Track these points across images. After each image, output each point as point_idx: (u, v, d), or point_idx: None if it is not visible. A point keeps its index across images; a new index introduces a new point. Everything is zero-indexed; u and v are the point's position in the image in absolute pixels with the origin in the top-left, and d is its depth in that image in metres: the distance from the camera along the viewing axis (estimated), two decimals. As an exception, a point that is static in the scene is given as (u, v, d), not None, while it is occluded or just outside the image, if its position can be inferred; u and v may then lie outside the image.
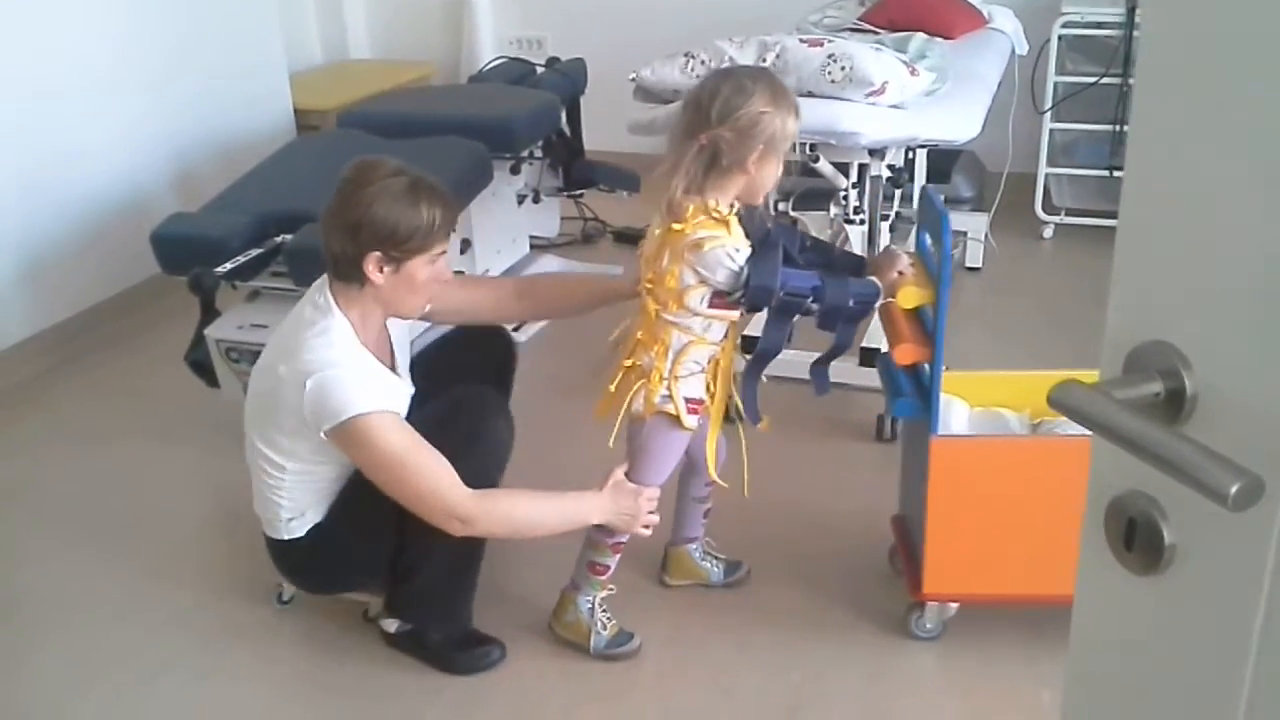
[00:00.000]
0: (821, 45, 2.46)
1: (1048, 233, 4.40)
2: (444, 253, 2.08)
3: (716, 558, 2.48)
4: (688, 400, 2.11)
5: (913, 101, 2.57)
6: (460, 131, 3.33)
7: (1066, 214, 4.39)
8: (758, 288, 1.97)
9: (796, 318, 2.07)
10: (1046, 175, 4.37)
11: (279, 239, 2.89)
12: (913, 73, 2.51)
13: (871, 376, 2.93)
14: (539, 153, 3.78)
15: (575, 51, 4.50)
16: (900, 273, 2.07)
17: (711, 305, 2.04)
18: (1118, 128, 4.16)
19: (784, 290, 1.98)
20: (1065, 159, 4.39)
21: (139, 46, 3.87)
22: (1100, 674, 0.87)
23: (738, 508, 2.46)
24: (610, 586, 2.29)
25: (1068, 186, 4.45)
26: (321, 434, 2.01)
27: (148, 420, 3.27)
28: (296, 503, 2.16)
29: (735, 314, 2.08)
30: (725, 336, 2.12)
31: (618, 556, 2.26)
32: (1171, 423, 0.74)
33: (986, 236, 4.02)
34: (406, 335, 2.31)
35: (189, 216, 3.01)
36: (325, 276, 2.10)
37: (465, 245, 3.47)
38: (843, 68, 2.41)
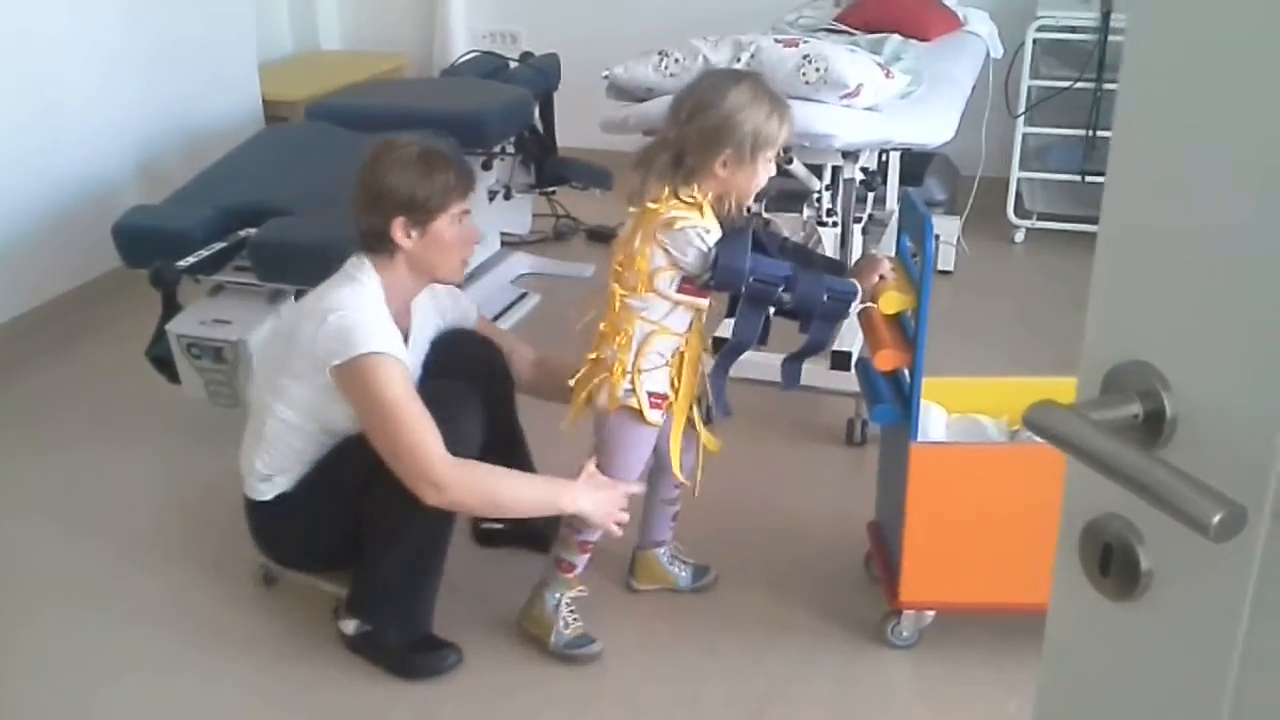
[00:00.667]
0: (797, 46, 2.43)
1: (1019, 236, 4.40)
2: (468, 212, 2.15)
3: (684, 562, 2.46)
4: (651, 395, 2.08)
5: (887, 104, 2.55)
6: (431, 126, 3.25)
7: (1038, 218, 4.40)
8: (725, 268, 1.94)
9: (770, 312, 2.05)
10: (1019, 179, 4.37)
11: (243, 233, 2.83)
12: (888, 75, 2.49)
13: (842, 380, 2.91)
14: (511, 149, 3.74)
15: (549, 47, 4.46)
16: (881, 277, 2.06)
17: (680, 290, 2.02)
18: (1091, 132, 4.17)
19: (753, 276, 1.96)
20: (1038, 163, 4.39)
21: (105, 30, 3.79)
22: (1071, 699, 0.85)
23: (706, 511, 2.44)
24: (581, 588, 2.26)
25: (1040, 191, 4.46)
26: (328, 371, 2.02)
27: (108, 416, 3.21)
28: (272, 460, 2.17)
29: (704, 301, 2.05)
30: (690, 329, 2.09)
31: (585, 557, 2.23)
32: (1150, 446, 0.72)
33: (959, 240, 4.02)
34: (430, 333, 2.30)
35: (151, 209, 2.96)
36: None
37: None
38: (817, 69, 2.38)
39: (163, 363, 2.90)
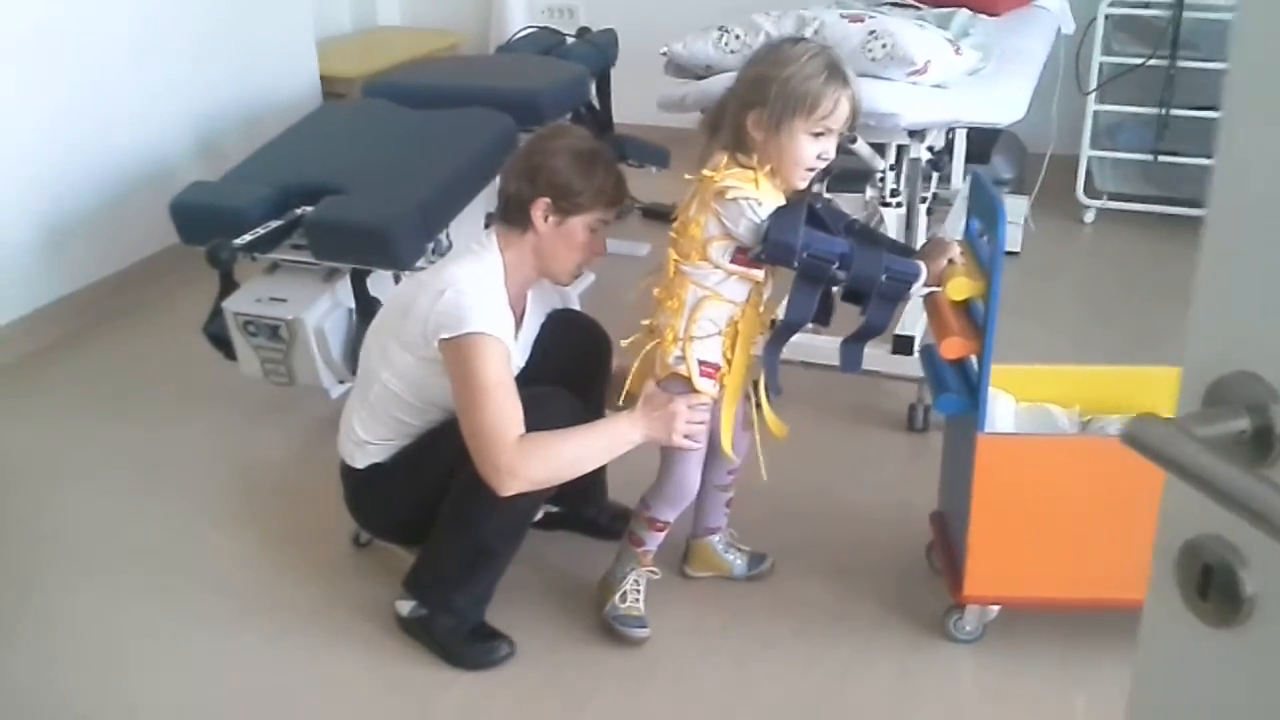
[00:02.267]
0: (862, 21, 2.36)
1: (1089, 217, 4.27)
2: (607, 224, 2.16)
3: (740, 550, 2.41)
4: (702, 363, 2.04)
5: (956, 81, 2.47)
6: (487, 103, 3.25)
7: (1109, 198, 4.27)
8: (775, 242, 1.89)
9: (833, 292, 1.99)
10: (1089, 158, 4.25)
11: (299, 211, 2.82)
12: (957, 51, 2.41)
13: (903, 365, 2.85)
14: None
15: (607, 22, 4.41)
16: (950, 261, 1.99)
17: (734, 260, 1.97)
18: (1164, 111, 4.04)
19: (807, 252, 1.90)
20: (1109, 142, 4.26)
21: (168, 9, 3.80)
22: (1162, 727, 0.80)
23: (762, 497, 2.39)
24: (653, 569, 2.24)
25: (1110, 170, 4.33)
26: (436, 343, 2.04)
27: (165, 391, 3.22)
28: (372, 427, 2.20)
29: (758, 273, 2.00)
30: (747, 300, 2.03)
31: (657, 535, 2.20)
32: (1258, 464, 0.66)
33: (1026, 220, 3.92)
34: (538, 323, 2.30)
35: (209, 186, 2.95)
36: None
37: (490, 219, 3.39)
38: (884, 45, 2.31)
39: (219, 339, 2.91)
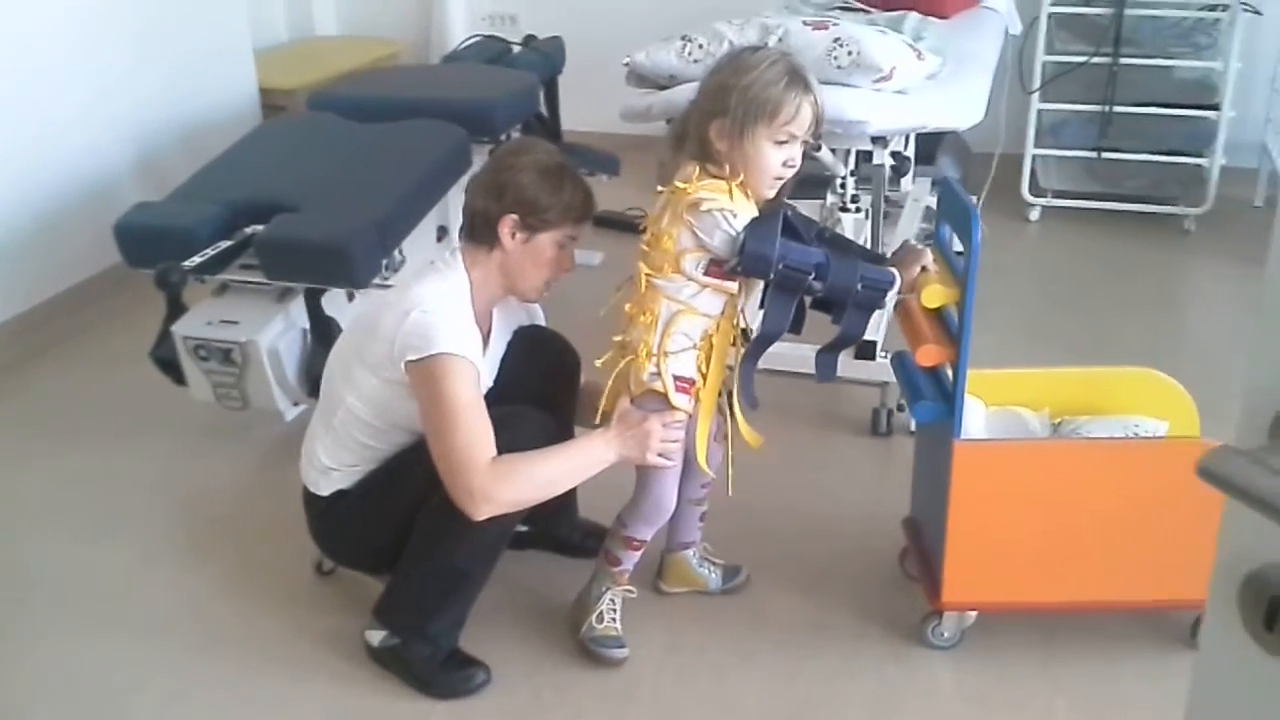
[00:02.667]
0: (826, 29, 2.34)
1: (1034, 215, 4.32)
2: (575, 239, 2.12)
3: (714, 563, 2.39)
4: (677, 379, 2.01)
5: (916, 86, 2.46)
6: (438, 115, 3.20)
7: (1053, 196, 4.32)
8: (752, 254, 1.86)
9: (803, 300, 1.97)
10: (1033, 156, 4.29)
11: (249, 230, 2.75)
12: (919, 57, 2.40)
13: (866, 370, 2.85)
14: (517, 135, 3.64)
15: (549, 28, 4.38)
16: (923, 269, 1.98)
17: (708, 273, 1.94)
18: (1107, 108, 4.09)
19: (783, 263, 1.87)
20: (1052, 140, 4.31)
21: (97, 21, 3.68)
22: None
23: (733, 509, 2.36)
24: (629, 589, 2.21)
25: (1054, 168, 4.38)
26: (402, 365, 1.98)
27: (113, 419, 3.12)
28: (335, 453, 2.15)
29: (732, 285, 1.97)
30: (721, 313, 2.00)
31: (634, 554, 2.17)
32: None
33: (976, 220, 3.93)
34: (505, 341, 2.26)
35: (154, 206, 2.86)
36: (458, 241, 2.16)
37: (442, 233, 3.35)
38: (849, 52, 2.29)
39: (168, 364, 2.82)
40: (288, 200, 2.79)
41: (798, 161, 1.94)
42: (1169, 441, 2.14)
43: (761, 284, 2.00)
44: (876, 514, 2.59)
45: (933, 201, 3.78)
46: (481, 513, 1.96)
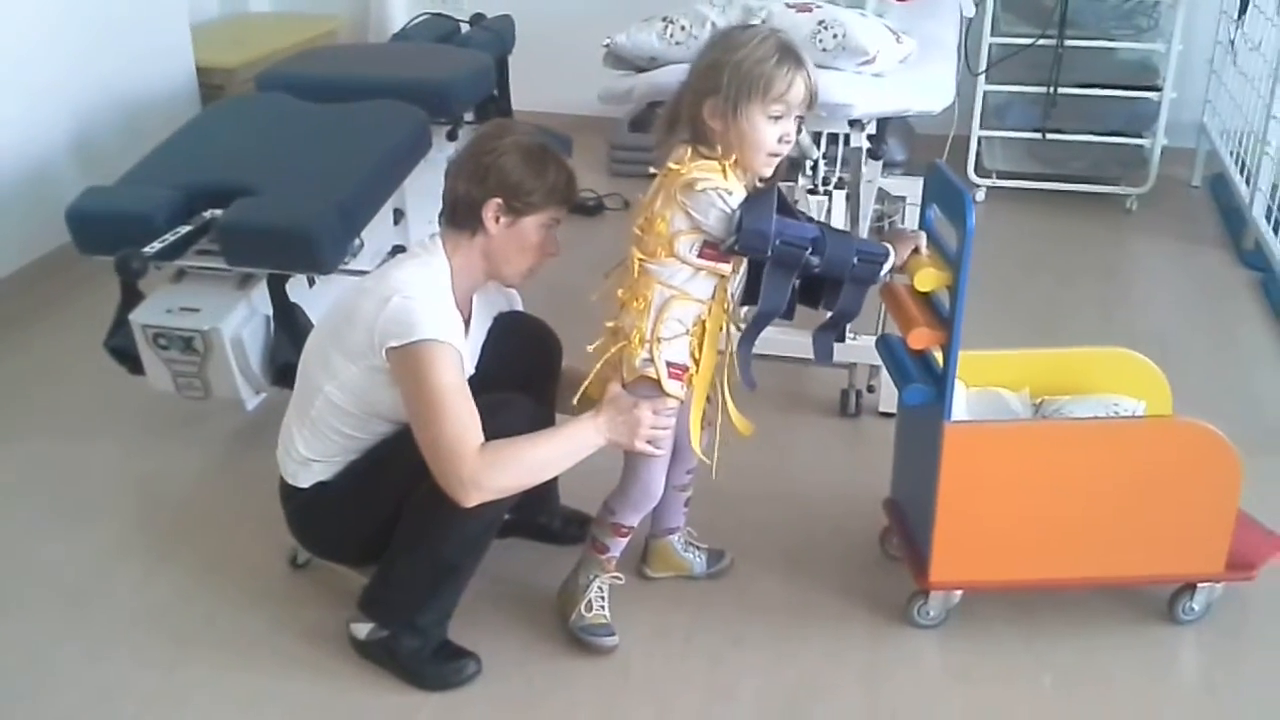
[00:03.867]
0: (810, 11, 2.33)
1: (979, 195, 4.38)
2: (558, 222, 2.09)
3: (698, 547, 2.38)
4: (670, 365, 1.99)
5: (890, 69, 2.47)
6: (394, 94, 3.13)
7: (998, 176, 4.38)
8: (750, 230, 1.85)
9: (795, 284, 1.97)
10: (979, 138, 4.35)
11: (208, 214, 2.66)
12: (898, 40, 2.41)
13: (835, 351, 2.85)
14: (470, 116, 3.59)
15: (492, 6, 4.30)
16: (915, 250, 1.99)
17: (702, 255, 1.93)
18: (1051, 90, 4.16)
19: (780, 239, 1.86)
20: (997, 121, 4.37)
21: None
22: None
23: (710, 492, 2.37)
24: (617, 575, 2.20)
25: (999, 149, 4.44)
26: (383, 352, 1.94)
27: (63, 408, 3.02)
28: (313, 443, 2.10)
29: (726, 266, 1.95)
30: (713, 297, 1.99)
31: (621, 541, 2.16)
32: None
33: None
34: (485, 325, 2.23)
35: (106, 190, 2.75)
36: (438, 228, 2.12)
37: (399, 216, 3.28)
38: (835, 35, 2.29)
39: (124, 354, 2.72)
40: (247, 183, 2.71)
41: (793, 137, 1.93)
42: (1152, 420, 2.18)
43: (746, 268, 1.99)
44: (851, 494, 2.61)
45: (885, 184, 3.82)
46: (471, 500, 1.93)
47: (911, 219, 3.90)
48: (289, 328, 2.65)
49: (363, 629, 2.13)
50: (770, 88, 1.86)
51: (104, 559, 2.46)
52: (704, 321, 2.00)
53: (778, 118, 1.89)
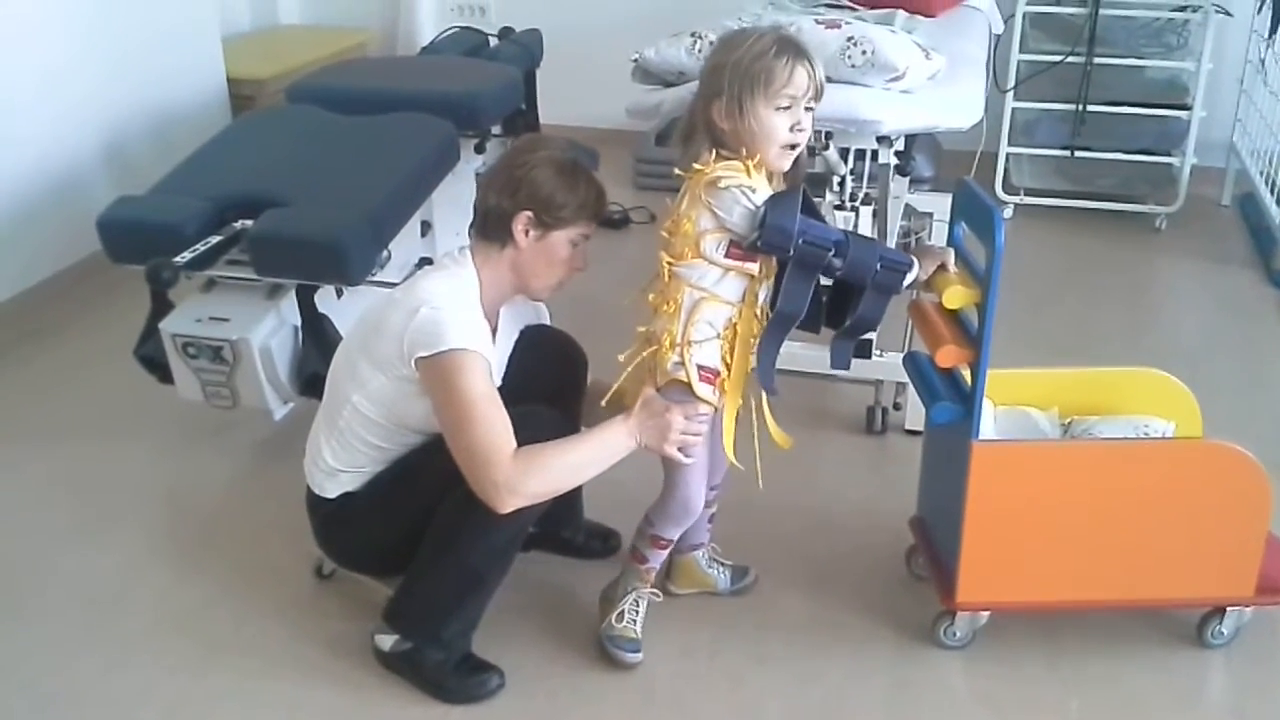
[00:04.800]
0: (839, 28, 2.33)
1: (1007, 213, 4.36)
2: (588, 238, 2.10)
3: (722, 564, 2.38)
4: (701, 369, 1.99)
5: (919, 86, 2.46)
6: (424, 108, 3.14)
7: (1025, 194, 4.37)
8: (773, 227, 1.85)
9: (819, 292, 1.97)
10: (1007, 155, 4.34)
11: (239, 225, 2.68)
12: (927, 57, 2.41)
13: (860, 367, 2.84)
14: (498, 129, 3.60)
15: (519, 19, 4.32)
16: (941, 266, 1.98)
17: (728, 255, 1.93)
18: (1080, 107, 4.14)
19: (803, 238, 1.87)
20: (1025, 139, 4.36)
21: (66, 11, 3.57)
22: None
23: (735, 508, 2.37)
24: (655, 591, 2.21)
25: (1027, 166, 4.43)
26: (413, 362, 1.95)
27: (92, 417, 3.05)
28: (341, 454, 2.11)
29: (753, 266, 1.95)
30: (742, 299, 1.99)
31: (660, 553, 2.16)
32: None
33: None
34: (512, 338, 2.23)
35: (137, 200, 2.77)
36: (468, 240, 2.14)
37: (426, 228, 3.30)
38: (864, 52, 2.29)
39: (153, 362, 2.75)
40: (277, 194, 2.72)
41: (805, 126, 1.93)
42: (1182, 442, 2.17)
43: (777, 273, 1.99)
44: (876, 511, 2.60)
45: (912, 200, 3.81)
46: (507, 505, 1.93)
47: (939, 235, 3.89)
48: (317, 338, 2.66)
49: (387, 640, 2.14)
50: (771, 80, 1.88)
51: (131, 566, 2.47)
52: (735, 325, 2.00)
53: (784, 108, 1.90)
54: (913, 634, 2.25)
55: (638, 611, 2.18)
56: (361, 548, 2.19)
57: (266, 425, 2.84)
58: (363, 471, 2.12)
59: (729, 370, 2.02)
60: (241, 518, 2.63)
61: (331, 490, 2.13)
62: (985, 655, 2.20)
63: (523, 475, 1.92)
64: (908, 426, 2.91)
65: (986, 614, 2.19)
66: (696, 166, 1.92)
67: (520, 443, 1.95)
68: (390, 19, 5.06)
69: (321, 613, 2.32)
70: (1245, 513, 2.07)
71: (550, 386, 2.23)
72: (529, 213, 2.02)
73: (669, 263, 1.97)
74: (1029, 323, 3.53)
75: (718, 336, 1.99)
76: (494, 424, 1.93)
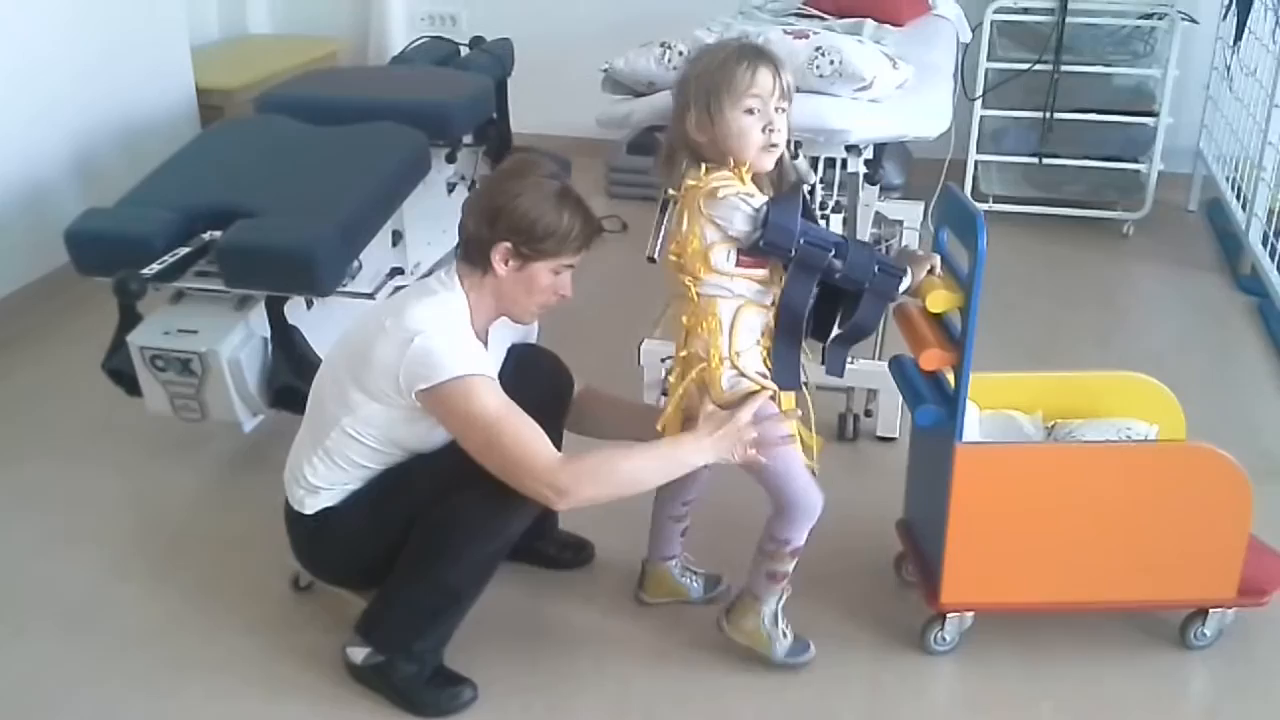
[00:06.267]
0: (807, 38, 2.35)
1: (977, 219, 4.38)
2: (572, 267, 2.06)
3: (695, 572, 2.38)
4: (759, 374, 2.00)
5: (887, 95, 2.48)
6: (394, 117, 3.14)
7: (994, 201, 4.40)
8: (776, 225, 1.87)
9: (820, 295, 1.96)
10: (975, 162, 4.36)
11: (207, 236, 2.67)
12: (894, 66, 2.42)
13: (827, 374, 2.85)
14: (469, 139, 3.60)
15: (489, 28, 4.32)
16: (930, 270, 1.99)
17: (738, 264, 1.94)
18: (1048, 115, 4.18)
19: (804, 238, 1.88)
20: (993, 146, 4.39)
21: (33, 21, 3.55)
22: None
23: (709, 515, 2.36)
24: (786, 587, 2.18)
25: (996, 174, 4.46)
26: (413, 395, 1.92)
27: (59, 430, 3.01)
28: (325, 472, 2.08)
29: (763, 271, 1.96)
30: (773, 302, 1.98)
31: (794, 561, 2.15)
32: None
33: (924, 224, 3.99)
34: (500, 355, 2.21)
35: (105, 212, 2.75)
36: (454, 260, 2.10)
37: (397, 238, 3.28)
38: (832, 61, 2.30)
39: (121, 375, 2.72)
40: (246, 205, 2.71)
41: (779, 127, 1.93)
42: (1164, 445, 2.19)
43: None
44: (849, 517, 2.58)
45: (882, 208, 3.83)
46: (559, 506, 1.95)
47: (908, 243, 3.92)
48: (287, 350, 2.65)
49: (359, 653, 2.12)
50: (733, 83, 1.89)
51: (101, 581, 2.45)
52: (770, 329, 2.00)
53: (752, 110, 1.90)
54: (890, 639, 2.26)
55: (787, 619, 2.17)
56: (342, 562, 2.17)
57: (236, 438, 2.81)
58: (345, 488, 2.10)
59: (770, 374, 2.03)
60: (212, 531, 2.61)
61: (311, 506, 2.11)
62: (966, 658, 2.21)
63: (578, 481, 1.92)
64: (879, 433, 2.92)
65: (971, 616, 2.20)
66: (690, 182, 1.93)
67: None
68: (361, 29, 5.05)
69: (292, 626, 2.30)
70: (1227, 515, 2.09)
71: (536, 408, 2.21)
72: (507, 244, 1.99)
73: (690, 284, 1.96)
74: (999, 328, 3.53)
75: (757, 343, 2.00)
76: (520, 432, 1.92)
